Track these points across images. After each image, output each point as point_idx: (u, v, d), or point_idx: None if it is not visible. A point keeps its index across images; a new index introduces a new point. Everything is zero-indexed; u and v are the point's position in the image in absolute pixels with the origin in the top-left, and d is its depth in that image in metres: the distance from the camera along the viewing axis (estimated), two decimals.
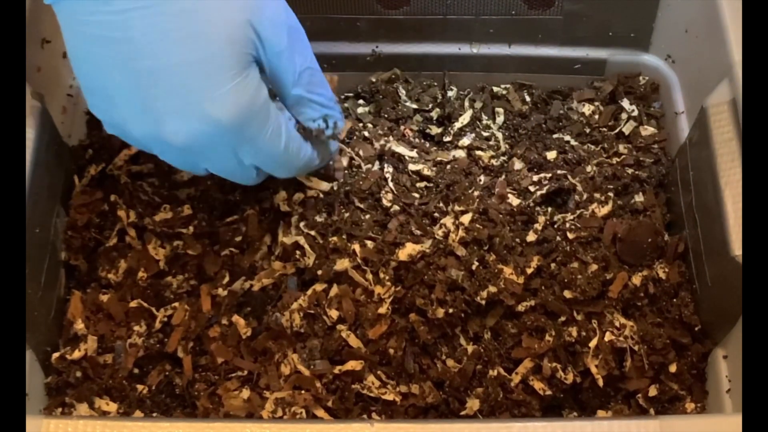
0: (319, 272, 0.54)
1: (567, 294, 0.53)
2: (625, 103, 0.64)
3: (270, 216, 0.56)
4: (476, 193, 0.58)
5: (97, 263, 0.56)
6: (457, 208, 0.57)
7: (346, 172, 0.58)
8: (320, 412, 0.50)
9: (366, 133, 0.62)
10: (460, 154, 0.61)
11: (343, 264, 0.54)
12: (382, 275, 0.53)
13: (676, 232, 0.57)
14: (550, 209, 0.58)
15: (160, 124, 0.45)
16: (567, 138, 0.62)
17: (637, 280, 0.54)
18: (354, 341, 0.52)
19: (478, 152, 0.61)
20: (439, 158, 0.61)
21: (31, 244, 0.50)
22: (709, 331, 0.53)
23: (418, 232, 0.56)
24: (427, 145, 0.62)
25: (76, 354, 0.53)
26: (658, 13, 0.62)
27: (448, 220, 0.56)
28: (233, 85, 0.45)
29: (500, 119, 0.64)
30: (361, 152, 0.60)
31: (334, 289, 0.54)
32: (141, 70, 0.44)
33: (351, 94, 0.66)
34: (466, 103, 0.65)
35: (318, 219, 0.56)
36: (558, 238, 0.56)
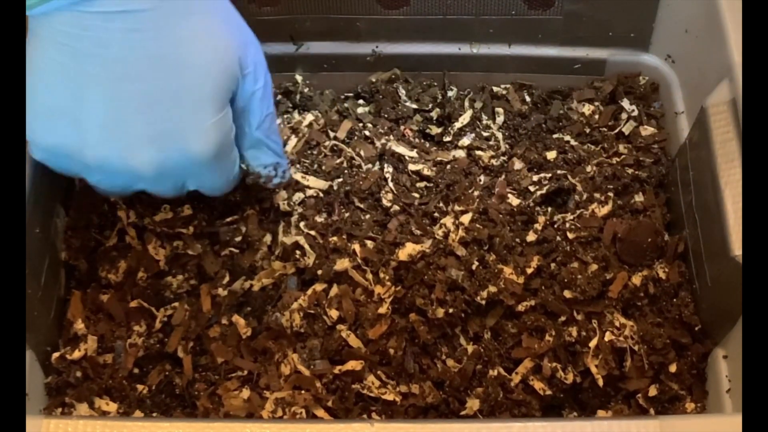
0: (319, 272, 0.54)
1: (567, 294, 0.53)
2: (625, 103, 0.64)
3: (270, 216, 0.56)
4: (476, 193, 0.58)
5: (97, 263, 0.56)
6: (457, 208, 0.57)
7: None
8: (320, 412, 0.50)
9: (366, 133, 0.62)
10: (460, 154, 0.61)
11: (343, 264, 0.54)
12: (382, 275, 0.53)
13: (676, 232, 0.57)
14: (550, 209, 0.58)
15: (130, 151, 0.44)
16: (567, 138, 0.62)
17: (637, 280, 0.54)
18: (354, 341, 0.52)
19: (478, 152, 0.61)
20: (439, 158, 0.61)
21: (31, 244, 0.50)
22: (709, 331, 0.53)
23: (418, 232, 0.56)
24: (427, 145, 0.62)
25: (76, 354, 0.52)
26: (658, 13, 0.62)
27: (448, 220, 0.56)
28: (216, 120, 0.45)
29: (500, 119, 0.64)
30: (361, 152, 0.60)
31: (334, 289, 0.54)
32: (128, 92, 0.43)
33: (351, 94, 0.66)
34: (466, 103, 0.65)
35: (318, 219, 0.56)
36: (558, 238, 0.56)
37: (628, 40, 0.64)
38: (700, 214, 0.53)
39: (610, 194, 0.58)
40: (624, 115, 0.64)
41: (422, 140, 0.63)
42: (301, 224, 0.56)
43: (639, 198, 0.59)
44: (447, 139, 0.62)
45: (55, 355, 0.53)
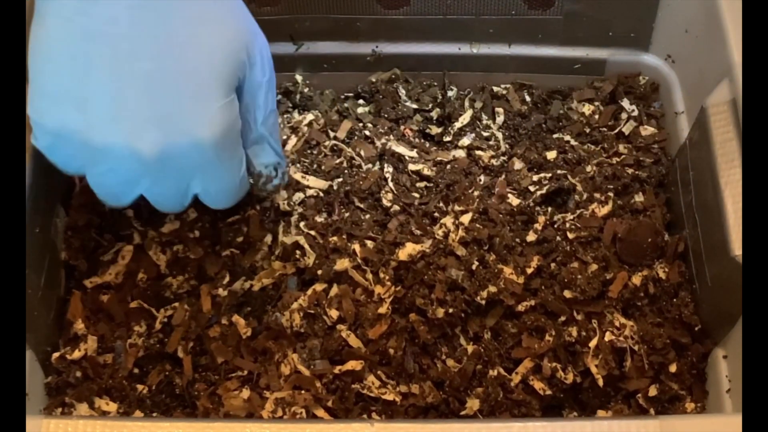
0: (319, 272, 0.54)
1: (567, 294, 0.53)
2: (625, 103, 0.64)
3: (270, 216, 0.56)
4: (476, 193, 0.58)
5: (97, 265, 0.56)
6: (457, 208, 0.57)
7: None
8: (320, 412, 0.50)
9: (366, 133, 0.62)
10: (460, 154, 0.61)
11: (343, 264, 0.54)
12: (382, 275, 0.54)
13: (676, 232, 0.57)
14: (550, 209, 0.58)
15: (135, 133, 0.43)
16: (567, 138, 0.62)
17: (637, 280, 0.54)
18: (354, 341, 0.52)
19: (478, 152, 0.61)
20: (439, 158, 0.61)
21: (31, 244, 0.50)
22: (709, 331, 0.53)
23: (418, 232, 0.56)
24: (427, 145, 0.62)
25: (76, 354, 0.52)
26: (658, 13, 0.62)
27: (448, 220, 0.56)
28: (223, 104, 0.44)
29: (500, 119, 0.64)
30: (361, 152, 0.60)
31: (334, 289, 0.54)
32: (134, 72, 0.42)
33: (351, 94, 0.66)
34: (466, 103, 0.65)
35: (318, 219, 0.56)
36: (558, 238, 0.56)
37: (628, 40, 0.64)
38: (700, 214, 0.53)
39: (610, 194, 0.58)
40: (624, 115, 0.64)
41: (422, 140, 0.63)
42: (301, 224, 0.56)
43: (639, 198, 0.59)
44: (447, 139, 0.62)
45: (55, 355, 0.53)
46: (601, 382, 0.52)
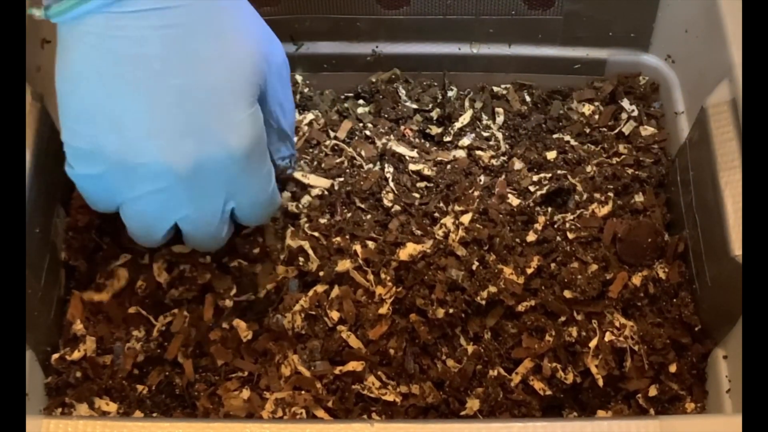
0: (321, 273, 0.54)
1: (567, 294, 0.53)
2: (625, 103, 0.64)
3: (280, 222, 0.56)
4: (476, 193, 0.58)
5: (96, 268, 0.56)
6: (457, 208, 0.57)
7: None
8: (320, 413, 0.50)
9: (366, 133, 0.62)
10: (460, 154, 0.61)
11: (344, 265, 0.54)
12: (383, 276, 0.54)
13: (676, 232, 0.57)
14: (550, 209, 0.58)
15: (170, 147, 0.44)
16: (567, 138, 0.62)
17: (637, 280, 0.54)
18: (354, 342, 0.52)
19: (478, 152, 0.61)
20: (439, 158, 0.61)
21: (31, 244, 0.50)
22: (709, 331, 0.53)
23: (419, 232, 0.56)
24: (428, 145, 0.62)
25: (76, 354, 0.52)
26: (658, 13, 0.62)
27: (448, 220, 0.56)
28: (250, 113, 0.45)
29: (500, 119, 0.64)
30: (361, 152, 0.60)
31: (335, 290, 0.54)
32: (165, 89, 0.43)
33: (351, 94, 0.66)
34: (466, 103, 0.65)
35: (321, 220, 0.56)
36: (558, 238, 0.56)
37: (628, 40, 0.64)
38: (700, 214, 0.53)
39: (610, 194, 0.58)
40: (624, 115, 0.64)
41: (422, 140, 0.63)
42: (306, 226, 0.56)
43: (639, 198, 0.59)
44: (447, 139, 0.62)
45: (55, 355, 0.53)
46: (601, 383, 0.52)
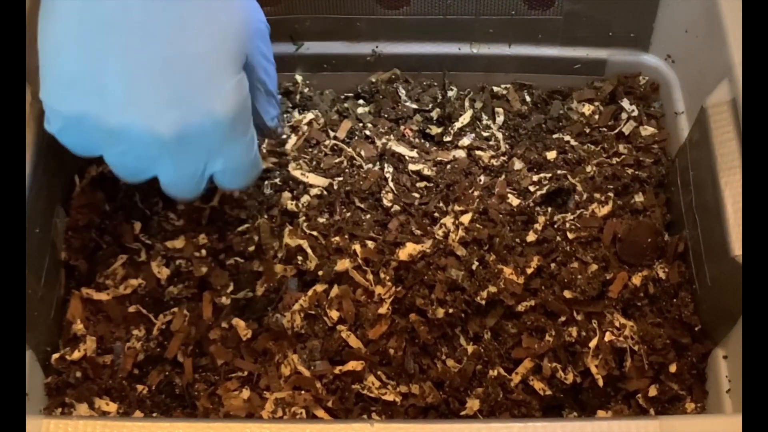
0: (320, 273, 0.54)
1: (567, 294, 0.53)
2: (625, 103, 0.64)
3: (277, 221, 0.56)
4: (476, 193, 0.58)
5: (96, 267, 0.56)
6: (457, 208, 0.57)
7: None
8: (320, 413, 0.50)
9: (366, 133, 0.62)
10: (460, 154, 0.61)
11: (343, 264, 0.54)
12: (382, 275, 0.53)
13: (676, 232, 0.57)
14: (550, 209, 0.58)
15: (153, 115, 0.44)
16: (567, 138, 0.62)
17: (637, 280, 0.54)
18: (354, 341, 0.52)
19: (478, 152, 0.61)
20: (439, 158, 0.61)
21: (31, 244, 0.50)
22: (709, 331, 0.53)
23: (419, 232, 0.56)
24: (427, 145, 0.62)
25: (76, 354, 0.52)
26: (658, 13, 0.62)
27: (448, 220, 0.56)
28: (236, 82, 0.45)
29: (500, 119, 0.64)
30: (361, 152, 0.60)
31: (335, 290, 0.54)
32: (149, 56, 0.43)
33: (351, 94, 0.66)
34: (466, 103, 0.65)
35: (320, 220, 0.56)
36: (558, 238, 0.56)
37: (628, 40, 0.64)
38: (700, 214, 0.53)
39: (610, 194, 0.58)
40: (624, 115, 0.64)
41: (422, 140, 0.63)
42: (305, 225, 0.56)
43: (639, 198, 0.59)
44: (447, 139, 0.62)
45: (55, 355, 0.53)
46: (601, 383, 0.52)
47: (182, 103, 0.44)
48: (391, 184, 0.59)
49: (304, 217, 0.56)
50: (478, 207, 0.57)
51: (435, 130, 0.63)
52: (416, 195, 0.58)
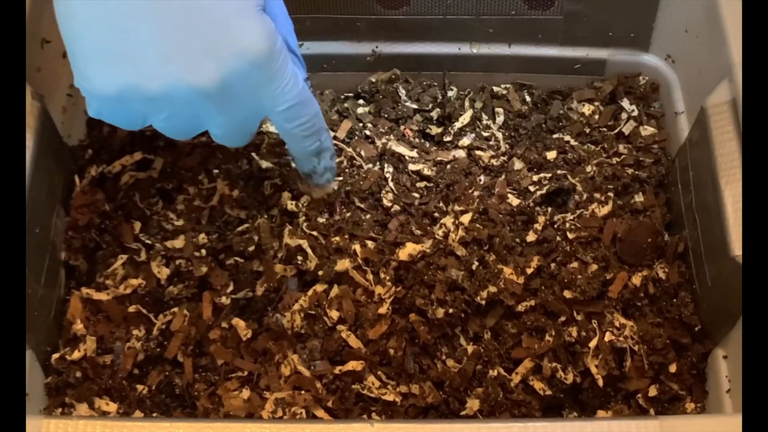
0: (320, 273, 0.54)
1: (567, 294, 0.53)
2: (625, 103, 0.64)
3: (277, 221, 0.56)
4: (476, 193, 0.58)
5: (96, 267, 0.56)
6: (457, 208, 0.57)
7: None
8: (320, 413, 0.50)
9: (366, 133, 0.62)
10: (460, 154, 0.61)
11: (343, 264, 0.54)
12: (382, 275, 0.53)
13: (676, 232, 0.57)
14: (550, 209, 0.58)
15: (191, 69, 0.43)
16: (567, 138, 0.62)
17: (637, 280, 0.54)
18: (354, 341, 0.52)
19: (478, 152, 0.61)
20: (439, 158, 0.61)
21: (31, 244, 0.50)
22: (709, 331, 0.53)
23: (419, 232, 0.56)
24: (427, 145, 0.62)
25: (76, 354, 0.52)
26: (658, 13, 0.62)
27: (448, 220, 0.56)
28: (259, 17, 0.45)
29: (500, 119, 0.64)
30: (361, 152, 0.60)
31: (335, 290, 0.53)
32: (170, 11, 0.42)
33: (351, 94, 0.66)
34: (466, 103, 0.65)
35: (320, 220, 0.56)
36: (558, 238, 0.56)
37: (628, 40, 0.64)
38: (700, 214, 0.53)
39: (610, 194, 0.58)
40: (624, 115, 0.64)
41: (422, 140, 0.63)
42: (304, 225, 0.56)
43: (639, 198, 0.59)
44: (447, 139, 0.62)
45: (55, 355, 0.53)
46: (601, 383, 0.52)
47: (216, 51, 0.43)
48: (391, 184, 0.59)
49: (303, 217, 0.56)
50: (478, 207, 0.57)
51: (435, 130, 0.63)
52: (416, 195, 0.58)
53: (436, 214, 0.57)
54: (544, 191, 0.58)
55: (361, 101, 0.66)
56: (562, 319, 0.53)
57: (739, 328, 0.50)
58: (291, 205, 0.56)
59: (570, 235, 0.56)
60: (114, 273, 0.55)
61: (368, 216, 0.57)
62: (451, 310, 0.52)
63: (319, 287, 0.54)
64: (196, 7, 0.43)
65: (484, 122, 0.64)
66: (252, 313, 0.54)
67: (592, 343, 0.52)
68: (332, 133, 0.62)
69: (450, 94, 0.66)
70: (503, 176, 0.60)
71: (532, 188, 0.59)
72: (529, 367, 0.52)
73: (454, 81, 0.66)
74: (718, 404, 0.51)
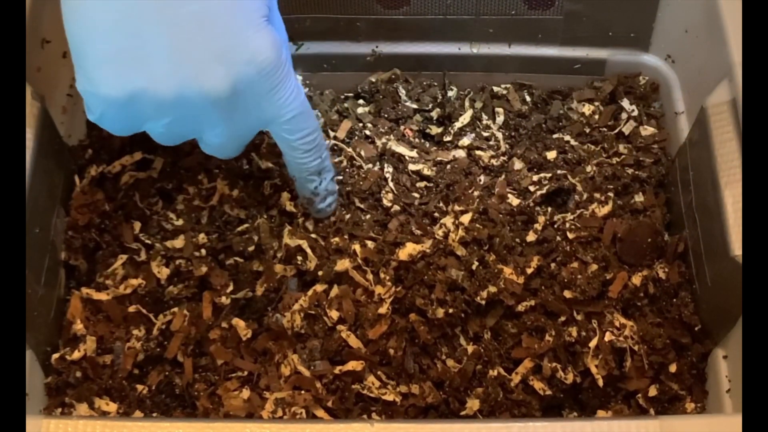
0: (320, 273, 0.54)
1: (567, 294, 0.53)
2: (625, 103, 0.64)
3: (276, 221, 0.56)
4: (476, 193, 0.58)
5: (96, 267, 0.56)
6: (457, 208, 0.57)
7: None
8: (320, 413, 0.50)
9: (366, 133, 0.62)
10: (460, 154, 0.61)
11: (343, 264, 0.54)
12: (382, 275, 0.53)
13: (676, 232, 0.57)
14: (550, 209, 0.58)
15: (202, 74, 0.44)
16: (567, 138, 0.62)
17: (637, 280, 0.54)
18: (354, 341, 0.52)
19: (478, 152, 0.61)
20: (439, 158, 0.61)
21: (31, 244, 0.50)
22: (709, 331, 0.53)
23: (419, 232, 0.56)
24: (427, 145, 0.62)
25: (76, 354, 0.52)
26: (658, 13, 0.62)
27: (448, 220, 0.56)
28: (266, 28, 0.45)
29: (500, 119, 0.64)
30: (361, 152, 0.60)
31: (335, 290, 0.53)
32: (182, 17, 0.43)
33: (351, 94, 0.66)
34: (466, 103, 0.65)
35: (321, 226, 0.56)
36: (558, 238, 0.56)
37: (628, 40, 0.64)
38: (700, 214, 0.53)
39: (610, 194, 0.58)
40: (624, 115, 0.64)
41: (422, 140, 0.63)
42: (304, 225, 0.56)
43: (639, 198, 0.59)
44: (447, 139, 0.62)
45: (55, 355, 0.53)
46: (601, 382, 0.52)
47: (226, 58, 0.44)
48: (391, 184, 0.59)
49: (303, 217, 0.56)
50: (478, 207, 0.57)
51: (435, 130, 0.63)
52: (416, 195, 0.58)
53: (436, 214, 0.57)
54: (544, 191, 0.58)
55: (361, 101, 0.66)
56: (562, 319, 0.53)
57: (739, 328, 0.50)
58: (290, 206, 0.56)
59: (570, 235, 0.56)
60: (114, 273, 0.55)
61: (368, 216, 0.57)
62: (451, 310, 0.52)
63: (319, 287, 0.54)
64: (207, 14, 0.43)
65: (484, 122, 0.64)
66: (252, 313, 0.54)
67: (592, 343, 0.52)
68: (332, 133, 0.62)
69: (450, 94, 0.66)
70: (503, 176, 0.60)
71: (532, 188, 0.59)
72: (529, 367, 0.52)
73: (454, 81, 0.66)
74: (718, 404, 0.51)
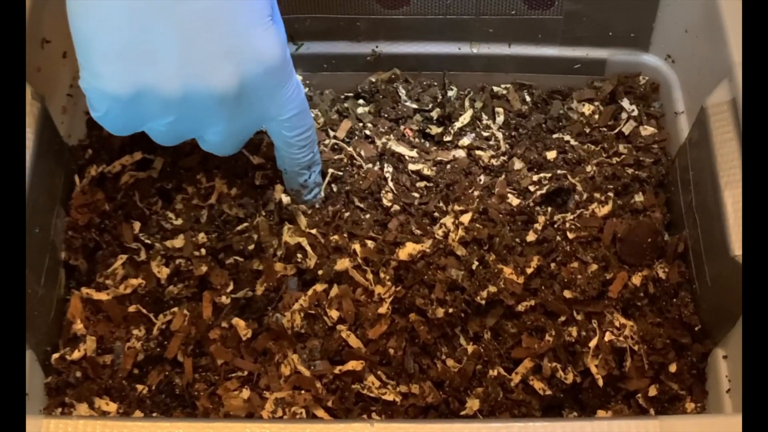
0: (320, 272, 0.54)
1: (567, 294, 0.53)
2: (625, 103, 0.64)
3: (275, 218, 0.56)
4: (476, 193, 0.58)
5: (96, 267, 0.56)
6: (457, 207, 0.57)
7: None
8: (320, 412, 0.50)
9: (366, 133, 0.62)
10: (460, 153, 0.61)
11: (343, 264, 0.54)
12: (382, 275, 0.53)
13: (676, 232, 0.57)
14: (550, 209, 0.58)
15: (211, 72, 0.44)
16: (567, 138, 0.62)
17: (637, 280, 0.54)
18: (354, 341, 0.52)
19: (478, 152, 0.61)
20: (439, 158, 0.61)
21: (31, 244, 0.50)
22: (709, 331, 0.53)
23: (418, 232, 0.56)
24: (427, 144, 0.62)
25: (76, 354, 0.52)
26: (658, 13, 0.62)
27: (448, 220, 0.56)
28: (272, 27, 0.46)
29: (500, 119, 0.64)
30: (361, 152, 0.60)
31: (335, 290, 0.53)
32: (191, 14, 0.43)
33: (351, 94, 0.66)
34: (466, 103, 0.65)
35: (318, 218, 0.56)
36: (558, 238, 0.56)
37: (628, 40, 0.64)
38: (700, 214, 0.53)
39: (610, 194, 0.58)
40: (624, 115, 0.64)
41: (422, 140, 0.63)
42: (304, 223, 0.56)
43: (639, 198, 0.59)
44: (447, 138, 0.62)
45: (55, 355, 0.53)
46: (601, 382, 0.52)
47: (234, 56, 0.44)
48: (390, 183, 0.59)
49: (303, 216, 0.56)
50: (478, 207, 0.57)
51: (435, 129, 0.63)
52: (416, 195, 0.58)
53: (436, 214, 0.57)
54: (544, 191, 0.58)
55: (361, 101, 0.66)
56: (562, 319, 0.53)
57: (739, 328, 0.50)
58: (286, 199, 0.56)
59: (570, 235, 0.56)
60: (114, 273, 0.55)
61: (368, 215, 0.57)
62: (451, 310, 0.52)
63: (319, 287, 0.54)
64: (215, 12, 0.43)
65: (484, 122, 0.64)
66: (252, 313, 0.54)
67: (592, 343, 0.52)
68: (332, 133, 0.62)
69: (450, 94, 0.66)
70: (503, 176, 0.60)
71: (532, 188, 0.59)
72: (529, 367, 0.52)
73: (454, 81, 0.66)
74: (718, 404, 0.51)
